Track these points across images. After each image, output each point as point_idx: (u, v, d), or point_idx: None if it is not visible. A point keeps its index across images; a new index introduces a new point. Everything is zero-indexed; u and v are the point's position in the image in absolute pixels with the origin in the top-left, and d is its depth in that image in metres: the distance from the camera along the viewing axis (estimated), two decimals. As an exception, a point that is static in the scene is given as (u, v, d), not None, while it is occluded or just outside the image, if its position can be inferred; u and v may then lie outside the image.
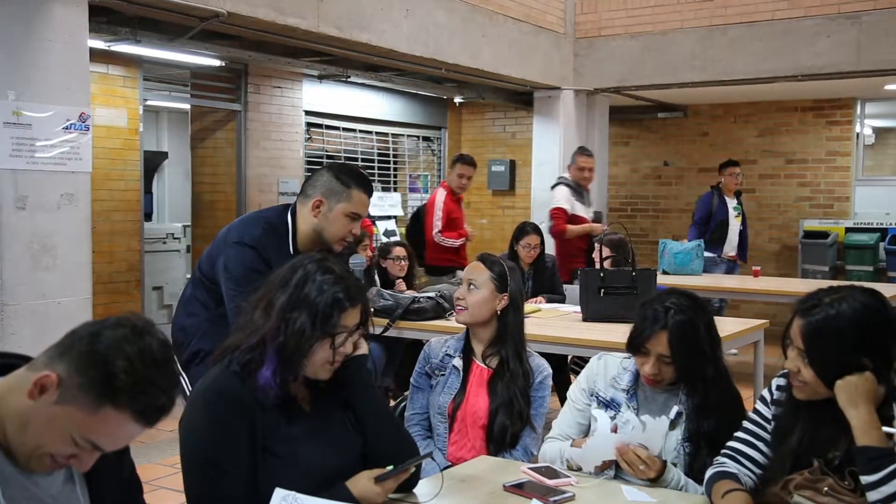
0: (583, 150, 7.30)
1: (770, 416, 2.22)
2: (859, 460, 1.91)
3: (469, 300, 3.07)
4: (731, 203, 8.28)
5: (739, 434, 2.28)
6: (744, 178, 8.54)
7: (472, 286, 3.09)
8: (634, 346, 2.53)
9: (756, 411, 2.26)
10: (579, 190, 7.15)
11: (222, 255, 3.03)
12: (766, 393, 2.26)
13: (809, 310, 2.04)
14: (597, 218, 7.49)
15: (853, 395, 1.96)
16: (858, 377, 1.97)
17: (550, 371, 3.10)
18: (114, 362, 1.47)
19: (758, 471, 2.22)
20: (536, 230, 6.03)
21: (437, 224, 7.06)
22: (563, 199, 7.08)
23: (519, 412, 2.93)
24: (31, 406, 1.48)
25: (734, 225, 8.27)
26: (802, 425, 2.08)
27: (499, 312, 3.06)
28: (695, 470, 2.44)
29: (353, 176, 3.06)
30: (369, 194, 3.09)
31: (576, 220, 7.04)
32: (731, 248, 8.25)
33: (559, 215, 7.04)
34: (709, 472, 2.27)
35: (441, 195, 7.15)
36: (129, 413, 1.49)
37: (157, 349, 1.52)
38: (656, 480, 2.39)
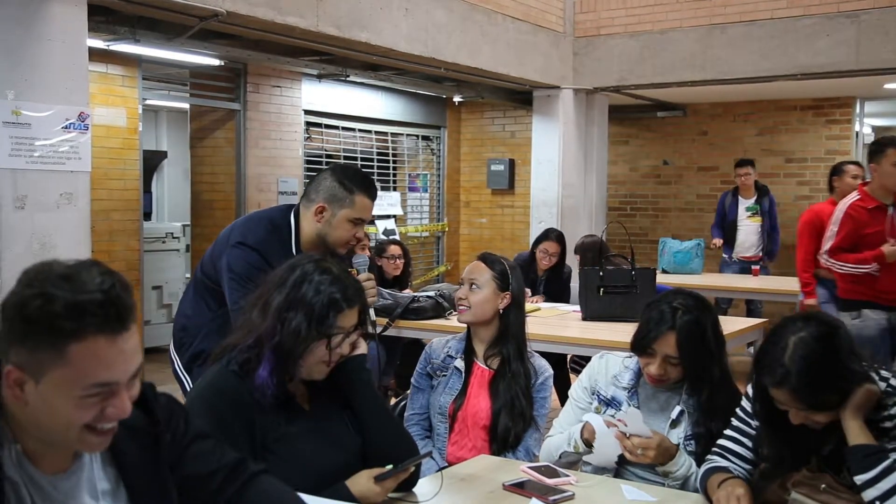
0: None
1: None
2: (853, 459, 1.90)
3: (471, 300, 3.05)
4: (745, 203, 8.24)
5: (728, 432, 2.28)
6: (749, 178, 8.23)
7: (473, 286, 3.07)
8: (640, 346, 2.53)
9: (741, 408, 2.27)
10: None
11: (225, 255, 3.01)
12: (750, 388, 2.25)
13: (783, 380, 1.95)
14: None
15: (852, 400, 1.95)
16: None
17: (552, 372, 3.09)
18: (28, 305, 1.33)
19: (747, 466, 2.24)
20: (559, 239, 5.91)
21: (827, 242, 4.80)
22: None
23: (521, 412, 2.92)
24: (29, 405, 1.38)
25: (745, 225, 8.22)
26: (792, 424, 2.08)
27: (501, 311, 3.06)
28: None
29: (357, 180, 3.00)
30: (373, 197, 3.04)
31: None
32: (742, 249, 8.19)
33: None
34: (701, 470, 2.28)
35: (846, 202, 4.78)
36: (87, 333, 1.34)
37: (59, 266, 1.38)
38: (666, 464, 2.39)
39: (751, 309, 8.04)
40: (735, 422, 2.27)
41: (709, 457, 2.30)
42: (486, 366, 3.04)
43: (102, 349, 1.36)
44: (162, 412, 1.63)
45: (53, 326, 1.33)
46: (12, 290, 1.38)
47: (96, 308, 1.35)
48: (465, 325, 3.15)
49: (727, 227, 8.23)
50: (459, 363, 3.05)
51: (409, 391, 3.20)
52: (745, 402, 2.26)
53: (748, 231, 8.23)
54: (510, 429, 2.91)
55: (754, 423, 2.22)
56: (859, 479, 1.88)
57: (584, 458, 2.55)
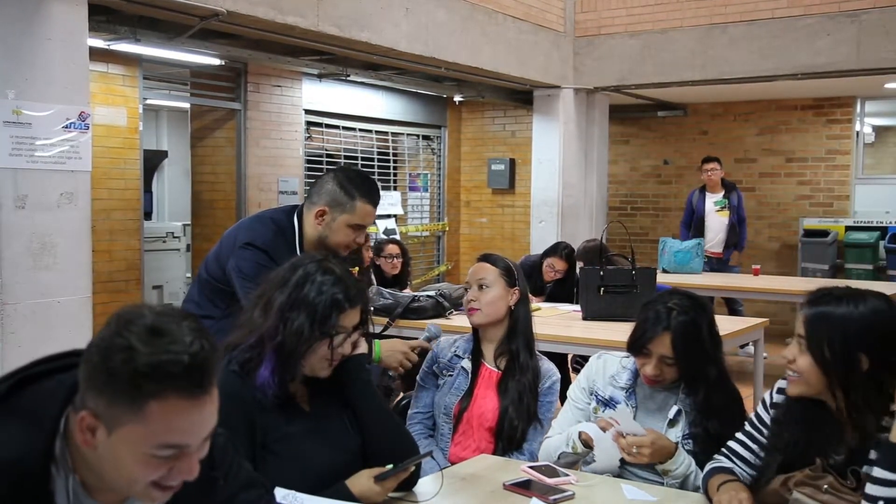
0: None
1: (768, 420, 2.21)
2: (885, 452, 1.83)
3: (483, 300, 3.00)
4: (713, 198, 8.26)
5: (738, 435, 2.28)
6: (715, 173, 8.27)
7: (483, 286, 3.03)
8: (636, 347, 2.53)
9: (756, 414, 2.26)
10: None
11: (233, 257, 2.99)
12: (767, 396, 2.24)
13: (817, 301, 2.03)
14: None
15: None
16: None
17: (559, 376, 3.06)
18: (113, 357, 1.30)
19: (753, 472, 2.22)
20: (568, 258, 5.87)
21: None
22: None
23: (527, 408, 2.91)
24: (96, 452, 1.35)
25: (713, 220, 8.22)
26: (799, 426, 2.07)
27: (512, 307, 3.04)
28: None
29: (359, 185, 2.98)
30: (375, 203, 3.02)
31: None
32: (712, 244, 8.18)
33: None
34: (704, 470, 2.28)
35: None
36: (168, 394, 1.30)
37: (150, 315, 1.35)
38: (665, 462, 2.39)
39: (733, 308, 8.02)
40: (747, 426, 2.26)
41: (716, 456, 2.29)
42: (495, 366, 3.02)
43: (181, 412, 1.32)
44: (220, 454, 1.60)
45: (135, 383, 1.29)
46: (101, 332, 1.35)
47: (181, 371, 1.31)
48: (469, 326, 3.12)
49: (696, 223, 8.24)
50: (466, 363, 3.02)
51: (411, 390, 3.20)
52: (759, 408, 2.24)
53: (717, 227, 8.22)
54: (517, 426, 2.89)
55: (765, 430, 2.21)
56: (880, 473, 1.81)
57: (590, 466, 2.55)
